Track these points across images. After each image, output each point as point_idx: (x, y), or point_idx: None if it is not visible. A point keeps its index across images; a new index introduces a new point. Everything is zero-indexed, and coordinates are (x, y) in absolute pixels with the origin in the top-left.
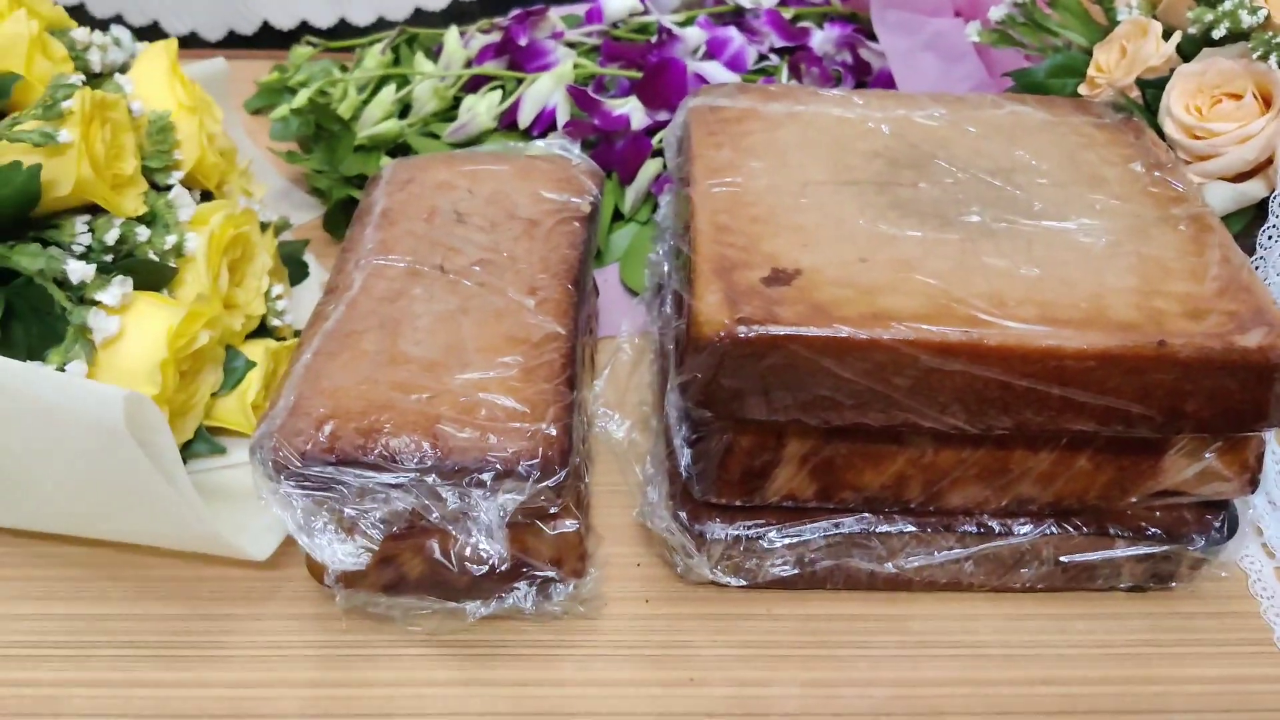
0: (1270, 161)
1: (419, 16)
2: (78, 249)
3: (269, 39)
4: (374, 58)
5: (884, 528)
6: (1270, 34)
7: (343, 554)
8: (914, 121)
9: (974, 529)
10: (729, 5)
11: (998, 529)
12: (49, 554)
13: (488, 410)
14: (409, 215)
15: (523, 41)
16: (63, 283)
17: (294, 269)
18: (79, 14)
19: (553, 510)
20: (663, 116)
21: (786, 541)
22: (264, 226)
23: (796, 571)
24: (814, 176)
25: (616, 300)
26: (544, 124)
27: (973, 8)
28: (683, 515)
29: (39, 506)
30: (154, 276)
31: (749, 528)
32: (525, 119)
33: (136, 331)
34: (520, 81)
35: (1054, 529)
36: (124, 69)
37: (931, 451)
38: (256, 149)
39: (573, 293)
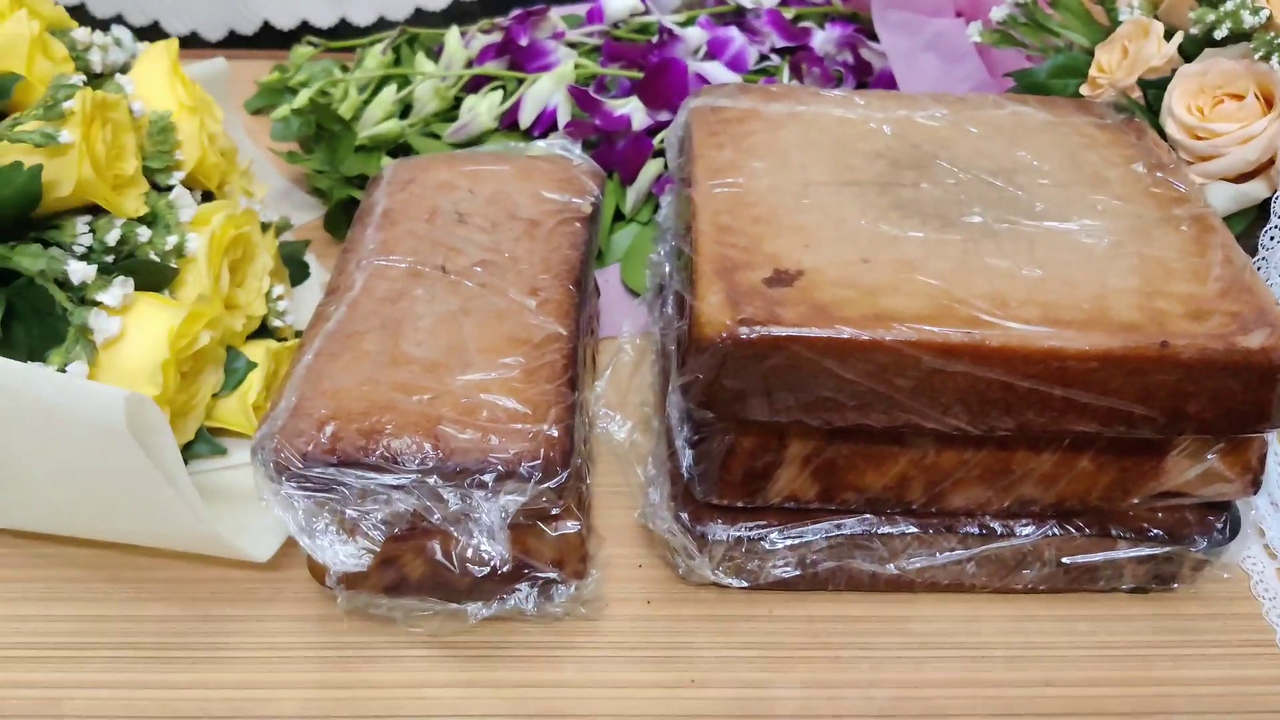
0: (1272, 162)
1: (419, 16)
2: (79, 249)
3: (269, 39)
4: (375, 58)
5: (886, 529)
6: (1272, 34)
7: (344, 555)
8: (915, 122)
9: (976, 530)
10: (730, 5)
11: (1000, 530)
12: (50, 555)
13: (489, 411)
14: (410, 216)
15: (524, 42)
16: (64, 283)
17: (295, 269)
18: (79, 14)
19: (554, 511)
20: (664, 117)
21: (788, 543)
22: (265, 227)
23: (798, 573)
24: (816, 177)
25: (618, 301)
26: (545, 124)
27: (974, 8)
28: (684, 516)
29: (40, 507)
30: (155, 277)
31: (751, 529)
32: (526, 119)
33: (137, 332)
34: (521, 82)
35: (1056, 530)
36: (125, 69)
37: (933, 452)
38: (257, 149)
39: (574, 293)
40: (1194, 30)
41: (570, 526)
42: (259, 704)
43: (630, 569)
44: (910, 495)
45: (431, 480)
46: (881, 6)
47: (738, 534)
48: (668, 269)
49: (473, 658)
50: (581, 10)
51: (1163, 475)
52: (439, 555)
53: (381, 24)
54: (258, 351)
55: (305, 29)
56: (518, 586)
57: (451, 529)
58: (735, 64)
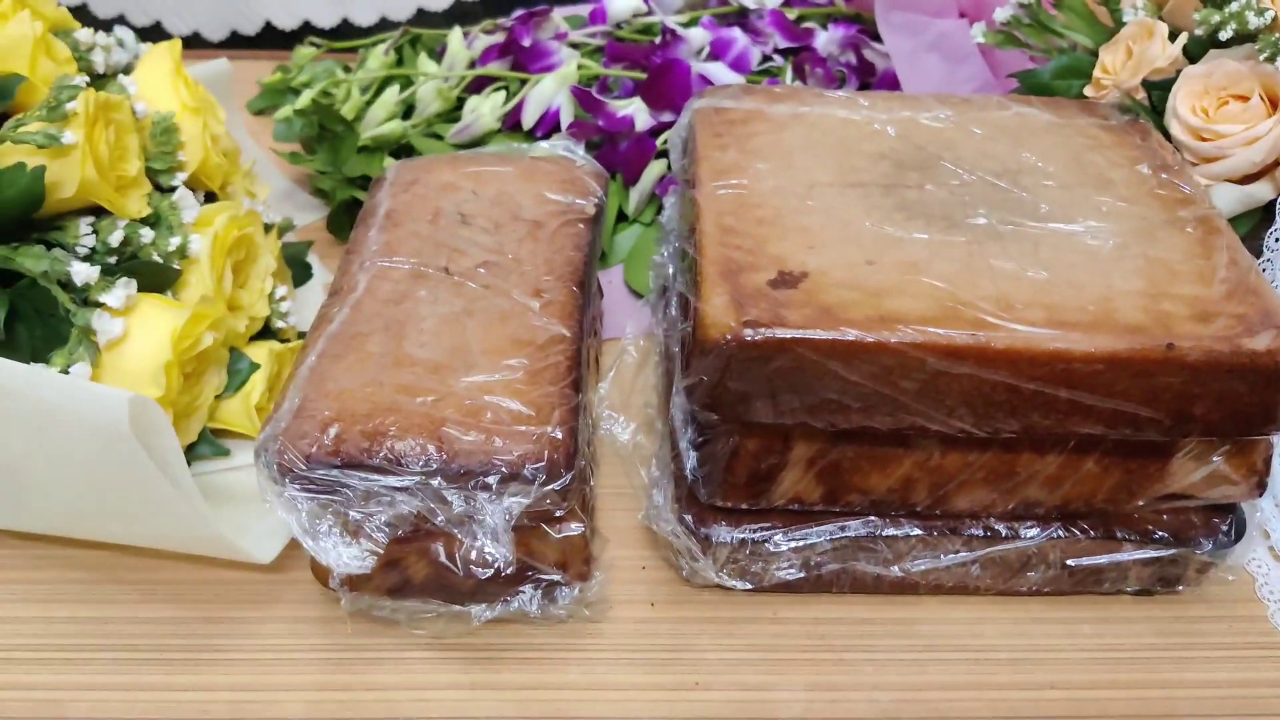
0: (1277, 163)
1: (421, 17)
2: (82, 251)
3: (271, 39)
4: (377, 58)
5: (890, 531)
6: (1277, 36)
7: (347, 557)
8: (920, 123)
9: (981, 532)
10: (733, 6)
11: (1004, 532)
12: (52, 556)
13: (493, 413)
14: (413, 217)
15: (526, 42)
16: (66, 284)
17: (297, 270)
18: (81, 14)
19: (558, 513)
20: (667, 118)
21: (792, 545)
22: (268, 228)
23: (802, 575)
24: (820, 178)
25: (621, 302)
26: (548, 125)
27: (977, 9)
28: (688, 518)
29: (42, 509)
30: (158, 278)
31: (755, 531)
32: (529, 120)
33: (140, 333)
34: (524, 82)
35: (1061, 532)
36: (128, 70)
37: (938, 454)
38: (259, 150)
39: (577, 295)
40: (1199, 31)
41: (574, 528)
42: (262, 706)
43: (634, 571)
44: (915, 497)
45: (435, 482)
46: (885, 7)
47: (742, 536)
48: (671, 270)
49: (476, 660)
50: (584, 11)
51: (1168, 477)
52: (443, 557)
53: (384, 24)
54: (260, 353)
55: (307, 29)
56: (521, 589)
57: (455, 531)
58: (738, 65)
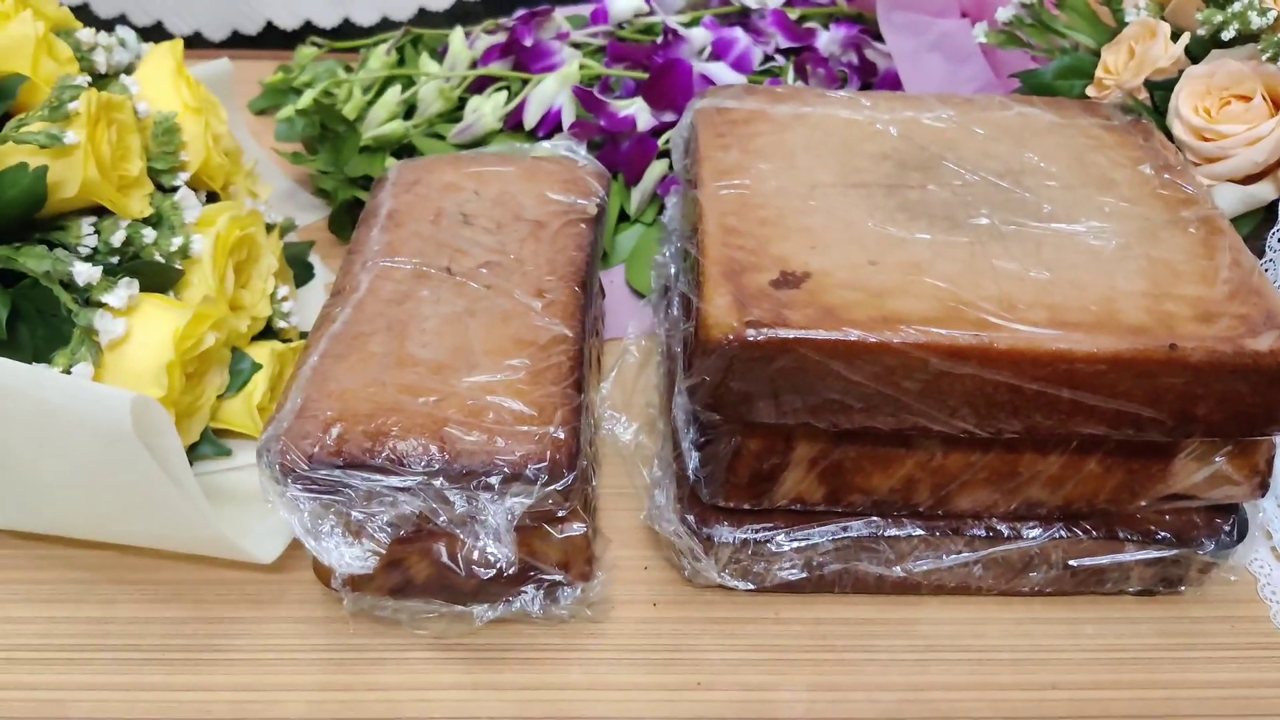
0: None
1: (423, 17)
2: (84, 251)
3: (273, 39)
4: (379, 58)
5: (892, 531)
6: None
7: (350, 557)
8: (922, 123)
9: (983, 532)
10: (734, 6)
11: (1007, 532)
12: (54, 556)
13: (495, 413)
14: (415, 217)
15: (528, 42)
16: (69, 284)
17: (299, 270)
18: (83, 14)
19: (560, 513)
20: (668, 117)
21: (795, 545)
22: (270, 228)
23: (804, 575)
24: (822, 178)
25: (622, 302)
26: (549, 125)
27: (979, 8)
28: (690, 518)
29: (45, 509)
30: (160, 278)
31: (757, 531)
32: (531, 120)
33: (142, 333)
34: (525, 82)
35: (1063, 533)
36: (129, 70)
37: (941, 455)
38: (261, 150)
39: (580, 295)
40: (1201, 31)
41: (576, 528)
42: (264, 706)
43: (636, 571)
44: (917, 498)
45: (437, 482)
46: (887, 7)
47: (744, 536)
48: (673, 270)
49: (478, 660)
50: (586, 10)
51: (1170, 478)
52: (445, 557)
53: (385, 24)
54: (262, 353)
55: (309, 29)
56: (523, 589)
57: (457, 531)
58: (740, 65)
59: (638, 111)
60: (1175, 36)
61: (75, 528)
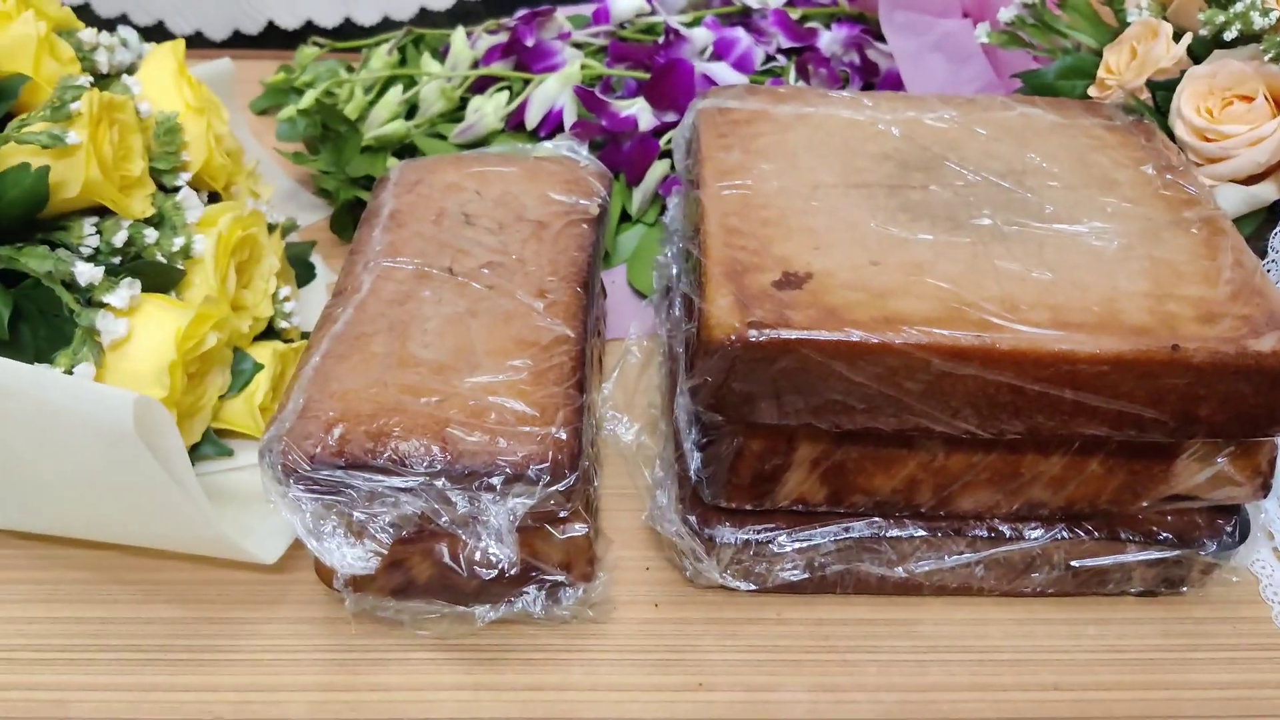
0: None
1: (424, 16)
2: (86, 251)
3: (274, 39)
4: (380, 58)
5: (894, 532)
6: None
7: (352, 558)
8: (924, 123)
9: (985, 533)
10: (736, 6)
11: (1008, 533)
12: (56, 556)
13: (497, 414)
14: (417, 217)
15: (530, 42)
16: (70, 285)
17: (301, 270)
18: (84, 13)
19: (562, 514)
20: (670, 117)
21: (796, 546)
22: (271, 228)
23: (806, 576)
24: (824, 179)
25: (624, 302)
26: (551, 125)
27: (981, 9)
28: (692, 519)
29: (47, 509)
30: (162, 278)
31: (759, 532)
32: (532, 120)
33: (144, 334)
34: (527, 82)
35: (1065, 533)
36: (131, 70)
37: (942, 455)
38: (263, 150)
39: (582, 295)
40: (1203, 31)
41: (578, 529)
42: (266, 706)
43: (638, 572)
44: (919, 498)
45: (439, 483)
46: (888, 7)
47: (746, 537)
48: (675, 271)
49: (480, 660)
50: (587, 10)
51: (1172, 479)
52: (447, 558)
53: (386, 24)
54: (264, 353)
55: (310, 29)
56: (525, 589)
57: (459, 532)
58: (741, 64)
59: (639, 112)
60: (1177, 37)
61: (77, 528)
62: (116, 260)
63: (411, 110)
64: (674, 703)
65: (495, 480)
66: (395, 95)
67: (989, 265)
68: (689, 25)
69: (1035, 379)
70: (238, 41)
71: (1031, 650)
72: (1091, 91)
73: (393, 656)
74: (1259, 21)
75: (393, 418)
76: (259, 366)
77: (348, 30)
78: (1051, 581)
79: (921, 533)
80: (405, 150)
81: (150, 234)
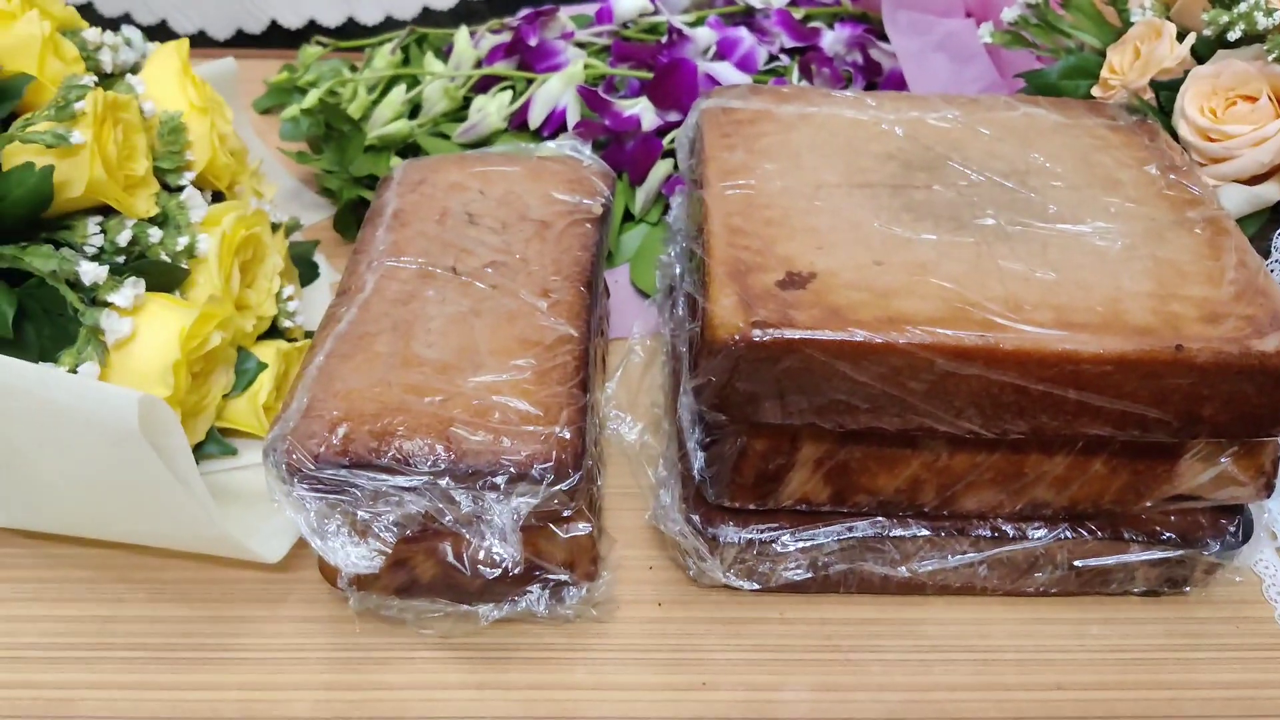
0: None
1: (427, 16)
2: (90, 250)
3: (277, 38)
4: (384, 58)
5: (898, 531)
6: None
7: (356, 557)
8: (927, 123)
9: (988, 533)
10: (739, 5)
11: (1012, 533)
12: (61, 555)
13: (501, 413)
14: (421, 217)
15: (533, 42)
16: (75, 284)
17: (304, 270)
18: (87, 12)
19: (566, 513)
20: (673, 117)
21: (800, 545)
22: (275, 227)
23: (810, 575)
24: (828, 179)
25: (627, 301)
26: (554, 125)
27: (984, 8)
28: (695, 518)
29: (52, 508)
30: (166, 278)
31: (762, 531)
32: (535, 119)
33: (149, 333)
34: (530, 82)
35: (1068, 533)
36: (135, 69)
37: (946, 455)
38: (266, 149)
39: (585, 295)
40: (1207, 31)
41: (581, 528)
42: (270, 705)
43: (641, 571)
44: (922, 498)
45: (443, 482)
46: (891, 7)
47: (749, 536)
48: (678, 270)
49: (484, 659)
50: (590, 10)
51: (1176, 479)
52: (450, 557)
53: (389, 23)
54: (268, 352)
55: (313, 28)
56: (529, 588)
57: (463, 531)
58: (745, 64)
59: (642, 111)
60: (1181, 37)
61: (82, 527)
62: (121, 259)
63: (415, 110)
64: (678, 702)
65: (499, 479)
66: (398, 95)
67: (993, 265)
68: (692, 25)
69: (1039, 379)
70: (241, 41)
71: (1035, 650)
72: (1095, 91)
73: (397, 655)
74: (1263, 22)
75: (397, 417)
76: (263, 366)
77: (351, 29)
78: (1055, 581)
79: (925, 532)
80: (408, 150)
81: (154, 233)
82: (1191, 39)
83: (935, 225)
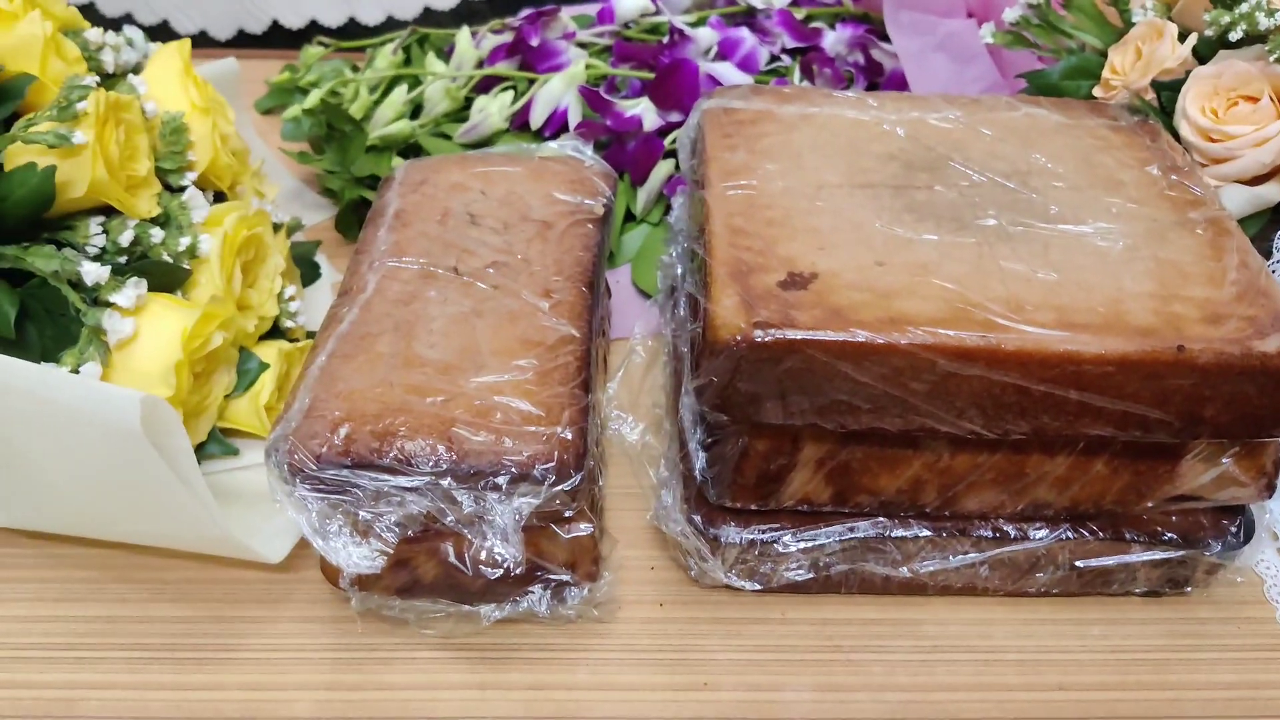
0: None
1: (428, 16)
2: (92, 250)
3: (279, 38)
4: (385, 58)
5: (899, 532)
6: None
7: (357, 557)
8: (929, 124)
9: (989, 533)
10: (741, 6)
11: (1013, 533)
12: (63, 555)
13: (503, 413)
14: (423, 217)
15: (534, 42)
16: (77, 284)
17: (306, 270)
18: (88, 12)
19: (567, 514)
20: (674, 117)
21: (801, 545)
22: (276, 227)
23: (811, 576)
24: (829, 179)
25: (629, 301)
26: (556, 125)
27: (986, 9)
28: (697, 519)
29: (54, 508)
30: (168, 278)
31: (764, 531)
32: (537, 120)
33: (151, 333)
34: (532, 82)
35: (1070, 534)
36: (137, 69)
37: (947, 456)
38: (268, 149)
39: (587, 295)
40: (1208, 32)
41: (583, 529)
42: (272, 705)
43: (643, 571)
44: (924, 498)
45: (445, 482)
46: (893, 7)
47: (751, 537)
48: (680, 271)
49: (485, 660)
50: (592, 10)
51: (1177, 479)
52: (452, 557)
53: (390, 23)
54: (270, 352)
55: (314, 28)
56: (530, 589)
57: (465, 531)
58: (746, 64)
59: (644, 111)
60: (1182, 37)
61: (84, 527)
62: (123, 260)
63: (416, 110)
64: (679, 702)
65: (501, 480)
66: (400, 95)
67: (994, 266)
68: (694, 25)
69: (1040, 379)
70: (242, 41)
71: (1036, 650)
72: (1096, 92)
73: (398, 655)
74: (1264, 22)
75: (398, 417)
76: (264, 366)
77: (352, 30)
78: (1056, 582)
79: (926, 533)
80: (410, 150)
81: (156, 233)
82: (1193, 39)
83: (937, 226)
